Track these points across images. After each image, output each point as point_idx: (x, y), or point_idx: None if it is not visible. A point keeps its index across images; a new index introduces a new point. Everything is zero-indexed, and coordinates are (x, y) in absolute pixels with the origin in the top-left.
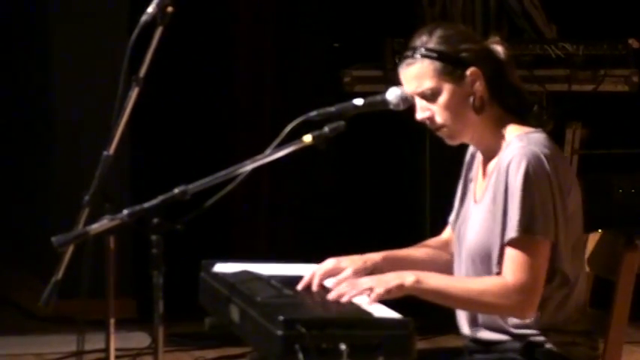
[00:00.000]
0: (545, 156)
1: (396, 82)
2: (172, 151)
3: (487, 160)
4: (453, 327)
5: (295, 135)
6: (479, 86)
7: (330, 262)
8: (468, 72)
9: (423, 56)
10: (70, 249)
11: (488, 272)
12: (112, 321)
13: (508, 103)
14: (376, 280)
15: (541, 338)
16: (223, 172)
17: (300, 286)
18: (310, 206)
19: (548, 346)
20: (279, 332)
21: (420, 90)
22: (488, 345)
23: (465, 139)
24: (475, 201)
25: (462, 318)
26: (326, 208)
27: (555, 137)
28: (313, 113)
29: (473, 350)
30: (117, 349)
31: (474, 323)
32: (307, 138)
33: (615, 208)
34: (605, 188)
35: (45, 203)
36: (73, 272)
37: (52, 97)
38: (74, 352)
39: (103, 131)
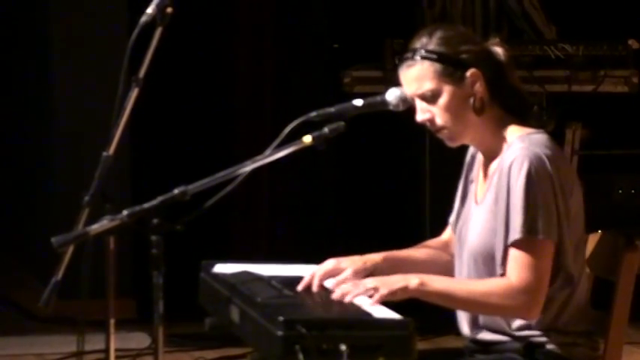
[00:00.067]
0: (547, 157)
1: (396, 83)
2: (172, 151)
3: (488, 161)
4: (453, 327)
5: (295, 135)
6: (479, 87)
7: (330, 263)
8: (468, 73)
9: (423, 58)
10: (70, 249)
11: (490, 273)
12: (112, 321)
13: (508, 104)
14: (380, 282)
15: (542, 339)
16: (223, 173)
17: (300, 287)
18: (310, 207)
19: (548, 346)
20: (280, 333)
21: (420, 92)
22: (488, 346)
23: (466, 141)
24: (476, 202)
25: (463, 319)
26: (326, 208)
27: (555, 138)
28: (313, 114)
29: (473, 351)
30: (117, 350)
31: (474, 325)
32: (307, 138)
33: (615, 209)
34: (605, 189)
35: (45, 204)
36: (73, 273)
37: (52, 97)
38: (74, 353)
39: (102, 132)
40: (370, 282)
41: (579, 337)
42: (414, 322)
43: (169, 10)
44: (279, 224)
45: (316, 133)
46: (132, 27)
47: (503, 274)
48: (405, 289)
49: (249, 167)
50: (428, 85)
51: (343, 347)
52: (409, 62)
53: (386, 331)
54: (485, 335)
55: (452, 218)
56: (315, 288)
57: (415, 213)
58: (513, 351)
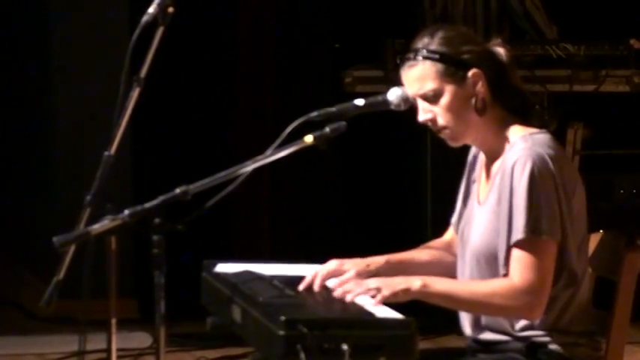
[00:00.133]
0: (550, 157)
1: (397, 83)
2: (173, 151)
3: (490, 161)
4: (455, 327)
5: (296, 135)
6: (480, 87)
7: (332, 264)
8: (470, 73)
9: (425, 58)
10: (72, 249)
11: (493, 273)
12: (114, 321)
13: (510, 104)
14: (383, 283)
15: (544, 339)
16: (224, 173)
17: (301, 286)
18: (311, 207)
19: (550, 346)
20: (281, 332)
21: (422, 92)
22: (490, 345)
23: (468, 141)
24: (479, 202)
25: (465, 320)
26: (327, 208)
27: (557, 137)
28: (314, 114)
29: (475, 350)
30: (118, 350)
31: (477, 325)
32: (308, 138)
33: (617, 209)
34: (607, 188)
35: (46, 203)
36: (75, 272)
37: (53, 97)
38: (76, 353)
39: (104, 131)
40: (373, 283)
41: (581, 337)
42: (415, 322)
43: (171, 9)
44: (281, 224)
45: (317, 133)
46: (133, 27)
47: (506, 275)
48: (407, 290)
49: (250, 167)
50: (430, 85)
51: (345, 347)
52: (411, 62)
53: (388, 331)
54: (488, 335)
55: (454, 218)
56: (316, 288)
57: (416, 213)
58: (515, 351)
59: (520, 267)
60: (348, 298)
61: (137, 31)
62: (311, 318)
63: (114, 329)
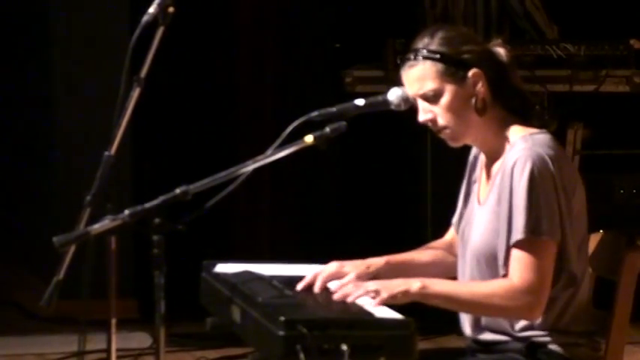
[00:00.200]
0: (550, 157)
1: (398, 83)
2: (173, 151)
3: (490, 161)
4: (455, 327)
5: (296, 135)
6: (481, 87)
7: (332, 266)
8: (470, 73)
9: (425, 58)
10: (72, 249)
11: (494, 274)
12: (114, 321)
13: (511, 104)
14: (382, 285)
15: (543, 339)
16: (225, 173)
17: (300, 287)
18: (312, 207)
19: (550, 346)
20: (281, 332)
21: (422, 92)
22: (490, 345)
23: (468, 141)
24: (479, 203)
25: (465, 320)
26: (327, 209)
27: (557, 138)
28: (314, 113)
29: (475, 351)
30: (118, 350)
31: (477, 325)
32: (308, 138)
33: (617, 209)
34: (607, 188)
35: (46, 203)
36: (75, 272)
37: (54, 97)
38: (75, 353)
39: (104, 131)
40: (372, 285)
41: (581, 337)
42: (415, 322)
43: (171, 9)
44: (281, 224)
45: (318, 133)
46: (133, 26)
47: (505, 275)
48: (406, 292)
49: (250, 167)
50: (430, 85)
51: (344, 347)
52: (411, 62)
53: (387, 331)
54: (487, 335)
55: (455, 219)
56: (317, 290)
57: (417, 213)
58: (515, 351)
59: (519, 267)
60: (348, 301)
61: (137, 31)
62: (311, 318)
63: (114, 329)
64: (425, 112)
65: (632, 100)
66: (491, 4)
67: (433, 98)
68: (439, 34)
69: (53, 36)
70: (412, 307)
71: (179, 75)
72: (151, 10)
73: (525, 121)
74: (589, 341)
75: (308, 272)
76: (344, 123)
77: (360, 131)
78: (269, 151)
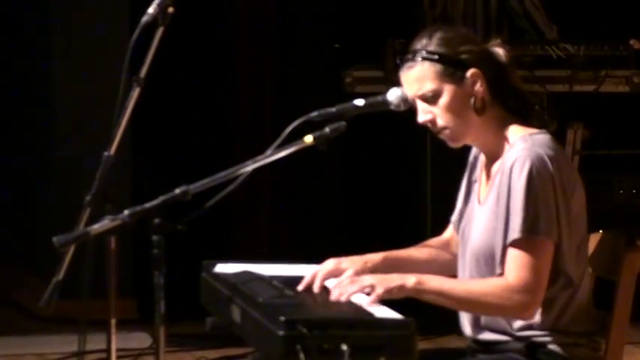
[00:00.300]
0: (549, 157)
1: (397, 83)
2: (173, 151)
3: (490, 161)
4: (455, 327)
5: (296, 135)
6: (479, 87)
7: (330, 263)
8: (469, 73)
9: (424, 59)
10: (71, 249)
11: (493, 273)
12: (113, 321)
13: (510, 104)
14: (377, 280)
15: (543, 339)
16: (224, 173)
17: (300, 287)
18: (311, 207)
19: (550, 346)
20: (281, 332)
21: (421, 92)
22: (490, 345)
23: (468, 141)
24: (479, 202)
25: (465, 320)
26: (327, 208)
27: (556, 138)
28: (314, 114)
29: (475, 351)
30: (118, 350)
31: (476, 325)
32: (308, 138)
33: (616, 209)
34: (607, 189)
35: (46, 203)
36: (74, 272)
37: (53, 97)
38: (75, 353)
39: (103, 132)
40: (367, 280)
41: (581, 337)
42: (415, 322)
43: (171, 9)
44: (281, 224)
45: (317, 133)
46: (133, 27)
47: (502, 274)
48: (401, 287)
49: (250, 167)
50: (429, 86)
51: (344, 347)
52: (410, 63)
53: (387, 331)
54: (487, 335)
55: (454, 218)
56: (316, 288)
57: (416, 213)
58: (515, 351)
59: (515, 266)
60: (343, 298)
61: (137, 31)
62: (310, 318)
63: (113, 329)
64: (424, 113)
65: (631, 100)
66: (490, 4)
67: (432, 99)
68: (437, 35)
69: (53, 36)
70: (412, 307)
71: (179, 75)
72: (151, 10)
73: (525, 122)
74: (589, 341)
75: (307, 272)
76: (343, 123)
77: (359, 131)
78: (269, 151)
